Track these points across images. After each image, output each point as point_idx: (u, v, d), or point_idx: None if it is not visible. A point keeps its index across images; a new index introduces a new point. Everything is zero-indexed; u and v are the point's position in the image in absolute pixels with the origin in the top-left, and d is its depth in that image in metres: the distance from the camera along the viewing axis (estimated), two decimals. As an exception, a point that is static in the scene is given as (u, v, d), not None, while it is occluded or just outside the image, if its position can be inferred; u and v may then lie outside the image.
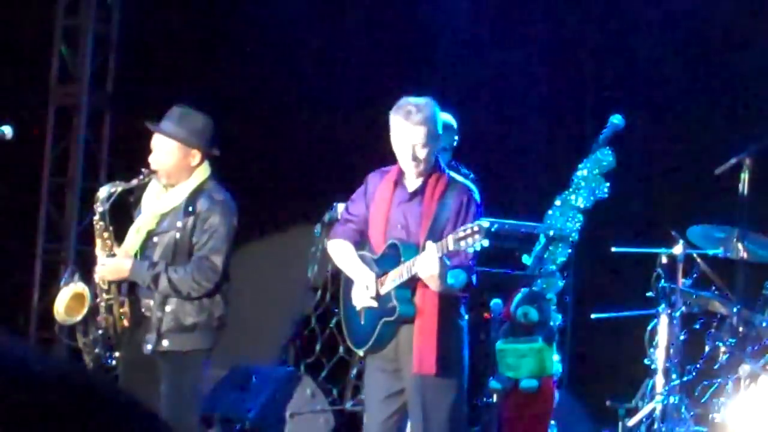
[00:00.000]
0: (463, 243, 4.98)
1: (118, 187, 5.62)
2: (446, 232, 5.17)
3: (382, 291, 5.27)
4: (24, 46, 9.73)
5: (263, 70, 9.59)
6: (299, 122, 9.58)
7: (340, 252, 5.51)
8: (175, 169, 5.66)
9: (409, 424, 5.44)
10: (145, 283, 5.54)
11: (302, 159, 9.58)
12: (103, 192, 5.60)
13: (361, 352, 5.47)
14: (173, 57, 9.66)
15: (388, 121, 5.32)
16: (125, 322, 5.63)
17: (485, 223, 5.01)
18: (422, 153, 5.22)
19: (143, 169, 5.65)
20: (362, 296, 5.33)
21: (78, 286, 5.68)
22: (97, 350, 5.63)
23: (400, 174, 5.37)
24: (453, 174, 5.44)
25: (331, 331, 8.71)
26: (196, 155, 5.67)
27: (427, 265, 5.04)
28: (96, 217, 5.63)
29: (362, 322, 5.37)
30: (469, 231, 4.98)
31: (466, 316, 5.42)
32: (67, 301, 5.67)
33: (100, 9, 9.79)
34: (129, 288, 5.64)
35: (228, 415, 7.74)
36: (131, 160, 9.69)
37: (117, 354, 5.66)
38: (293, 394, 7.96)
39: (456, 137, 6.62)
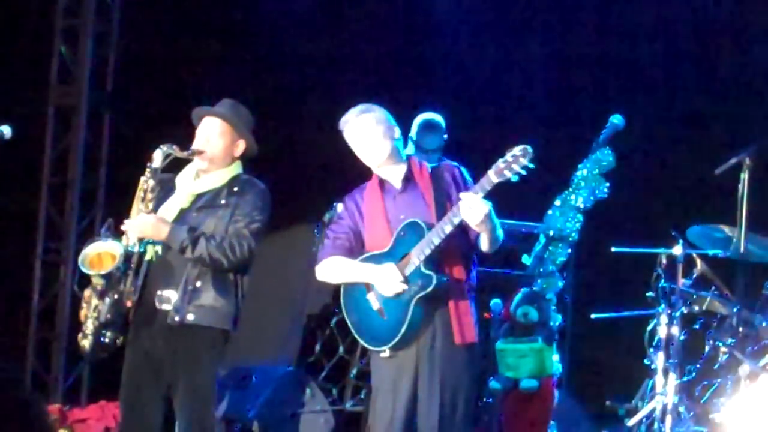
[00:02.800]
0: (507, 172, 4.91)
1: (172, 151, 5.65)
2: (450, 204, 5.22)
3: (408, 271, 5.23)
4: (24, 46, 9.73)
5: (263, 70, 9.58)
6: (299, 122, 9.57)
7: (334, 267, 5.49)
8: (221, 153, 5.76)
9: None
10: (183, 245, 5.53)
11: (303, 159, 9.57)
12: (160, 152, 5.63)
13: (388, 350, 5.31)
14: (173, 57, 9.65)
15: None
16: (129, 305, 5.58)
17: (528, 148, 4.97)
18: (387, 144, 5.39)
19: (191, 148, 5.71)
20: (389, 286, 5.26)
21: (111, 245, 5.59)
22: (109, 334, 5.58)
23: (379, 179, 5.48)
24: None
25: (331, 330, 8.71)
26: (240, 145, 5.81)
27: (474, 204, 4.96)
28: (147, 174, 5.64)
29: (385, 318, 5.30)
30: (512, 158, 4.90)
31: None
32: (96, 254, 5.60)
33: (100, 9, 9.80)
34: (142, 283, 5.61)
35: (228, 415, 7.73)
36: (131, 160, 9.75)
37: (118, 340, 5.62)
38: (293, 394, 7.95)
39: (445, 136, 6.94)
